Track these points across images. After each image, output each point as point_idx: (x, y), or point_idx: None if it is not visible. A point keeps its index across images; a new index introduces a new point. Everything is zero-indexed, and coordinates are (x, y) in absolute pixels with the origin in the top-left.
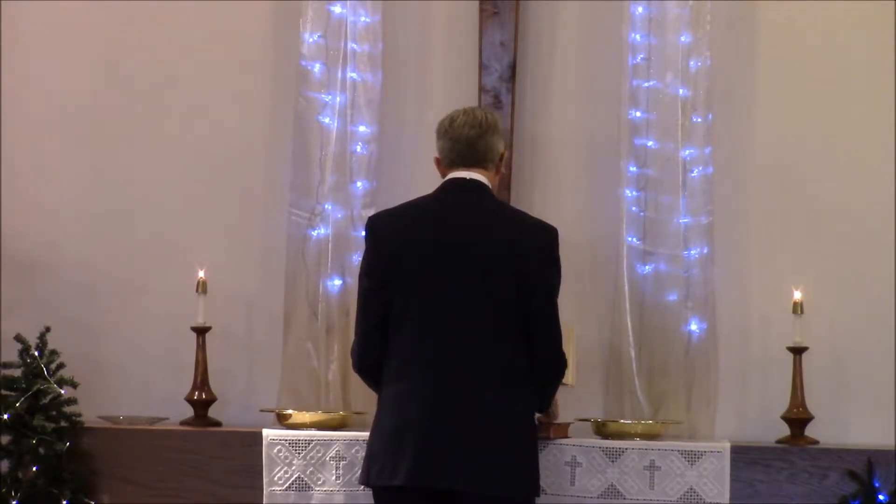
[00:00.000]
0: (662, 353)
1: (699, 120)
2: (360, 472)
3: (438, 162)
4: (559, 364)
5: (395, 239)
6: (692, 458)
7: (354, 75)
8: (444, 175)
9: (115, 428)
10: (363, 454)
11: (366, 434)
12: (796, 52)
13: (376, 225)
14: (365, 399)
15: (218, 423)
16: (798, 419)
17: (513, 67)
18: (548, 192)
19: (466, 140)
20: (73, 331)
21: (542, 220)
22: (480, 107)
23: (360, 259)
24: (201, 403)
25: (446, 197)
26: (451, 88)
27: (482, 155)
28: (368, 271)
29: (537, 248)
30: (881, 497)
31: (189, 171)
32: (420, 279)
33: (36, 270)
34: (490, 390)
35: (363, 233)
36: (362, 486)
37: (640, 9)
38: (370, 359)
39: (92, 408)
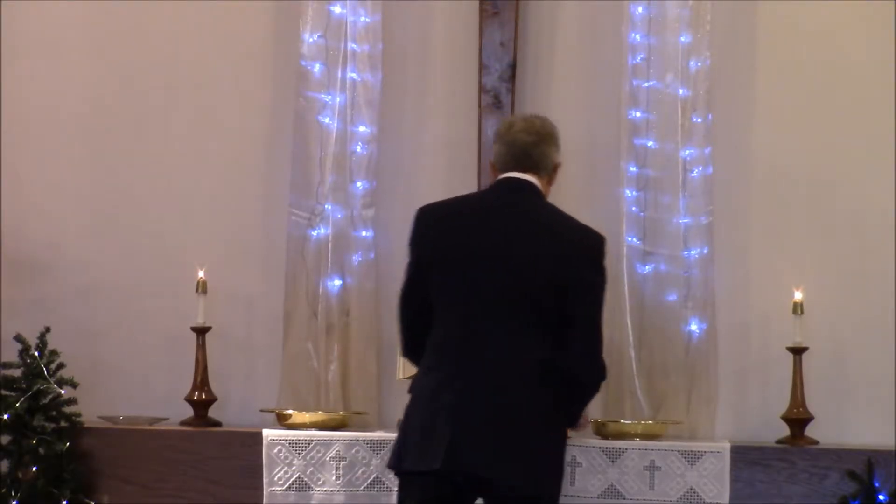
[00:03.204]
0: (662, 353)
1: (699, 120)
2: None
3: (493, 167)
4: (594, 369)
5: (438, 231)
6: (692, 458)
7: (354, 75)
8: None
9: (115, 428)
10: (363, 454)
11: (366, 434)
12: (796, 52)
13: (423, 216)
14: (365, 399)
15: (218, 423)
16: (798, 419)
17: (513, 67)
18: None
19: (522, 146)
20: (73, 331)
21: (590, 226)
22: (539, 115)
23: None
24: (201, 403)
25: (495, 194)
26: (451, 88)
27: (536, 162)
28: (412, 261)
29: (580, 252)
30: (881, 497)
31: (189, 171)
32: (459, 273)
33: (36, 270)
34: (524, 388)
35: (412, 222)
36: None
37: (640, 9)
38: (418, 345)
39: (92, 408)
